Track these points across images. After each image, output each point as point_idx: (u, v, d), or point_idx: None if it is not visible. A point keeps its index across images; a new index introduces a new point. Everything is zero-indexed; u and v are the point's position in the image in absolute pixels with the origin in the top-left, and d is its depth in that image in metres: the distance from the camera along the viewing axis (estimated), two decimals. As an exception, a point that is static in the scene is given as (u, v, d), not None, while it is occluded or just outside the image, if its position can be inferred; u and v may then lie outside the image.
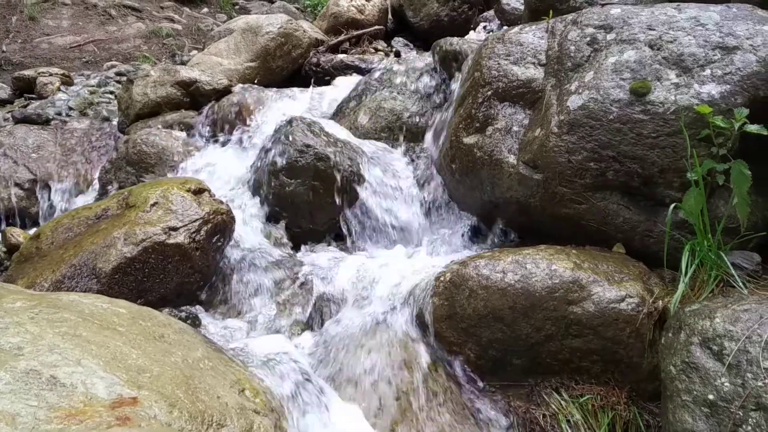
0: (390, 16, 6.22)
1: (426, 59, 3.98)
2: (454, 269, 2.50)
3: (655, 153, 2.45)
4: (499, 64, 2.94)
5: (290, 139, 3.27)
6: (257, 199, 3.33)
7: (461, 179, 3.06)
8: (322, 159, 3.23)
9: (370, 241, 3.23)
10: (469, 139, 2.97)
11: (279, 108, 3.97)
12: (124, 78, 5.36)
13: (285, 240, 3.19)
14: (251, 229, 3.18)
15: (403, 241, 3.23)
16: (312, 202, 3.23)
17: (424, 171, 3.43)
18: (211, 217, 2.76)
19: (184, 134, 3.83)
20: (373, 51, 5.55)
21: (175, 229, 2.65)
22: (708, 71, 2.43)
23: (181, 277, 2.65)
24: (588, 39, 2.74)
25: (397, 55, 5.41)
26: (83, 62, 11.18)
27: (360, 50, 5.50)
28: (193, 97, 4.14)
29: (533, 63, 2.90)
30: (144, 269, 2.56)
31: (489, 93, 2.94)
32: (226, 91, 4.17)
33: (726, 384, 1.76)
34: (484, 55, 3.02)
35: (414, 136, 3.70)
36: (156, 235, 2.61)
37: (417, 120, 3.71)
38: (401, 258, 2.95)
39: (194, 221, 2.70)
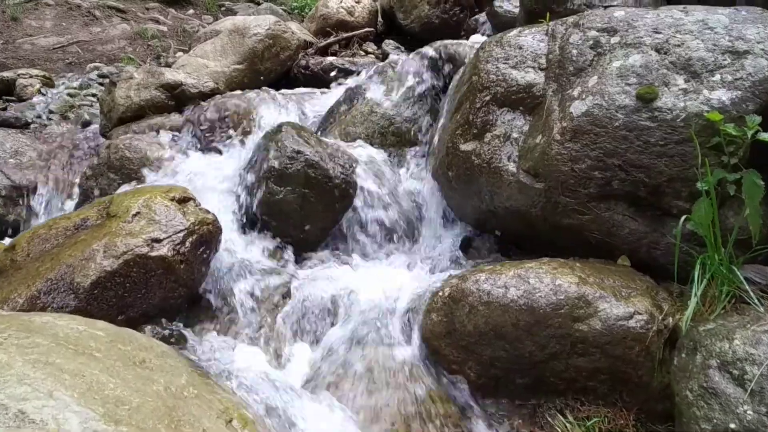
0: (380, 17, 6.10)
1: (419, 61, 3.85)
2: (453, 284, 2.38)
3: (663, 162, 2.35)
4: (497, 68, 2.83)
5: (280, 145, 3.13)
6: (245, 207, 3.19)
7: (458, 187, 2.94)
8: (313, 166, 3.10)
9: (363, 251, 3.11)
10: (466, 146, 2.86)
11: (268, 111, 3.83)
12: (107, 80, 5.20)
13: (274, 250, 3.05)
14: (239, 239, 3.04)
15: (398, 251, 3.11)
16: (302, 210, 3.10)
17: (419, 177, 3.31)
18: (196, 227, 2.62)
19: (168, 139, 3.68)
20: (363, 54, 5.43)
21: (158, 240, 2.52)
22: (718, 76, 2.33)
23: (165, 291, 2.51)
24: (591, 42, 2.63)
25: (387, 58, 5.28)
26: (66, 63, 10.97)
27: (350, 53, 5.38)
28: (179, 100, 4.00)
29: (533, 67, 2.78)
30: (125, 284, 2.42)
31: (487, 98, 2.83)
32: (213, 94, 4.03)
33: (749, 412, 1.65)
34: (482, 59, 2.90)
35: (407, 140, 3.58)
36: (138, 248, 2.47)
37: (410, 124, 3.59)
38: (396, 270, 2.82)
39: (179, 232, 2.57)
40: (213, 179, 3.36)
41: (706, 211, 2.27)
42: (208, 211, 2.77)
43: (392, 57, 4.40)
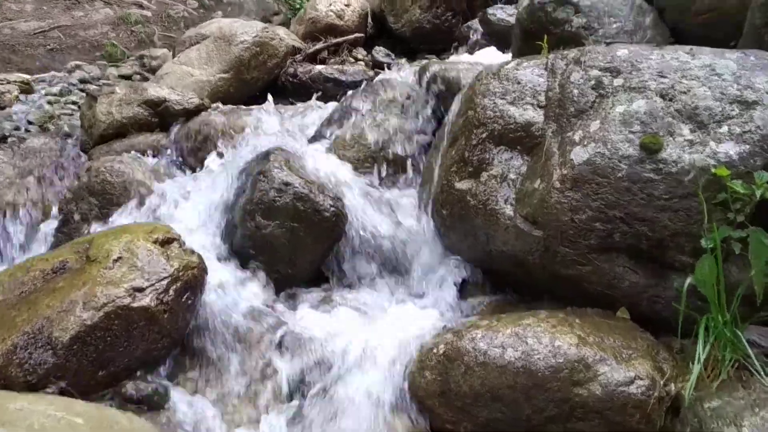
0: (370, 20, 5.96)
1: (410, 81, 3.75)
2: (448, 341, 2.30)
3: (667, 216, 2.26)
4: (494, 103, 2.72)
5: (268, 176, 3.02)
6: (231, 241, 3.08)
7: (452, 225, 2.85)
8: (302, 199, 2.99)
9: (354, 289, 3.02)
10: (461, 185, 2.76)
11: (256, 131, 3.71)
12: (89, 86, 5.05)
13: (262, 288, 2.94)
14: (226, 275, 2.93)
15: (389, 287, 3.02)
16: (291, 245, 3.00)
17: (412, 208, 3.21)
18: (180, 274, 2.51)
19: (152, 161, 3.55)
20: (353, 60, 5.30)
21: (140, 289, 2.41)
22: (725, 128, 2.24)
23: (148, 343, 2.40)
24: (593, 83, 2.53)
25: (378, 66, 5.16)
26: (48, 50, 10.73)
27: (339, 59, 5.24)
28: (162, 117, 3.85)
29: (532, 104, 2.68)
30: (106, 337, 2.31)
31: (484, 135, 2.73)
32: (197, 110, 3.89)
33: None
34: (479, 92, 2.80)
35: (399, 167, 3.48)
36: (119, 298, 2.36)
37: (403, 150, 3.48)
38: (388, 315, 2.74)
39: (162, 279, 2.46)
40: (198, 206, 3.25)
41: (710, 270, 2.20)
42: (192, 252, 2.66)
43: (383, 75, 4.27)
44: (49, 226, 3.55)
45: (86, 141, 3.94)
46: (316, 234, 3.02)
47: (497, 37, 5.10)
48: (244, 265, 3.04)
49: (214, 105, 4.13)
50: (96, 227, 3.12)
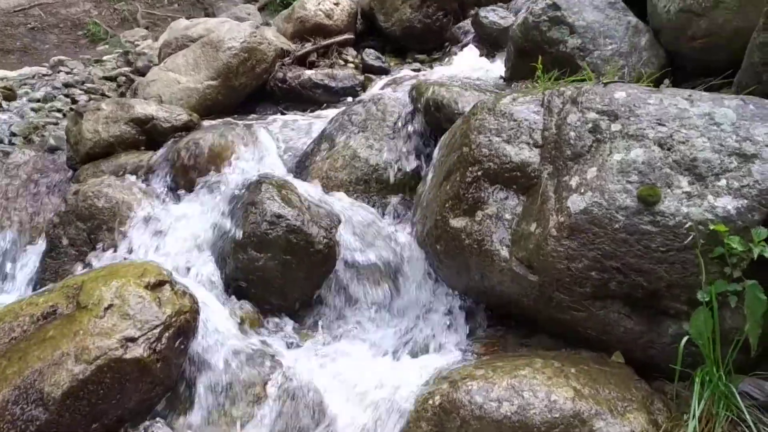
0: (360, 18, 5.85)
1: (403, 98, 3.69)
2: (444, 392, 2.29)
3: (663, 268, 2.26)
4: (490, 141, 2.69)
5: (260, 208, 2.98)
6: (223, 271, 3.05)
7: (447, 262, 2.83)
8: (295, 231, 2.96)
9: (346, 323, 3.00)
10: (456, 222, 2.73)
11: (248, 151, 3.65)
12: (74, 90, 4.95)
13: (255, 320, 2.92)
14: (218, 308, 2.90)
15: (384, 321, 3.00)
16: (283, 277, 2.98)
17: (405, 236, 3.19)
18: (173, 320, 2.48)
19: (140, 183, 3.48)
20: (343, 63, 5.21)
21: (133, 339, 2.38)
22: (723, 181, 2.23)
23: (141, 393, 2.38)
24: (590, 126, 2.50)
25: (368, 70, 5.08)
26: (29, 29, 10.52)
27: (328, 62, 5.15)
28: (150, 134, 3.78)
29: (528, 143, 2.65)
30: (99, 391, 2.29)
31: (479, 173, 2.70)
32: (186, 127, 3.82)
33: None
34: (473, 128, 2.76)
35: (392, 190, 3.45)
36: (112, 351, 2.33)
37: (395, 174, 3.44)
38: (381, 356, 2.73)
39: (154, 328, 2.43)
40: (189, 235, 3.20)
41: (705, 323, 2.21)
42: (184, 294, 2.62)
43: (375, 89, 4.21)
44: (37, 250, 3.50)
45: (72, 157, 3.86)
46: (308, 266, 3.00)
47: (489, 40, 5.03)
48: (236, 296, 3.02)
49: (203, 122, 4.06)
50: (88, 258, 3.07)
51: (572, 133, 2.52)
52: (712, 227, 2.16)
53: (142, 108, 3.74)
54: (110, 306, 2.45)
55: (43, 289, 2.72)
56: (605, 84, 2.56)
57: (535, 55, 3.52)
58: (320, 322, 3.01)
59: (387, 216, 3.31)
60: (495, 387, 2.24)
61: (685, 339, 2.18)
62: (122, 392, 2.33)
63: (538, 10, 3.49)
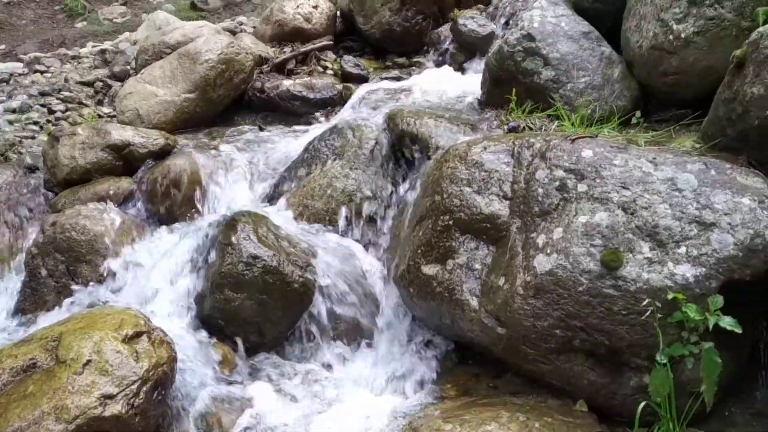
0: (339, 18, 5.82)
1: (379, 125, 3.72)
2: (415, 444, 2.38)
3: (624, 329, 2.35)
4: (461, 191, 2.74)
5: (236, 248, 3.03)
6: (200, 308, 3.11)
7: (419, 303, 2.91)
8: (271, 272, 3.02)
9: (321, 359, 3.08)
10: (427, 269, 2.80)
11: (225, 178, 3.69)
12: (50, 99, 4.92)
13: (230, 359, 3.00)
14: (194, 347, 2.97)
15: (359, 357, 3.09)
16: (260, 316, 3.04)
17: (380, 271, 3.26)
18: (150, 374, 2.55)
19: (118, 215, 3.50)
20: (322, 70, 5.20)
21: (111, 396, 2.44)
22: (683, 249, 2.30)
23: (120, 449, 2.46)
24: (557, 184, 2.55)
25: (347, 78, 5.08)
26: (4, 4, 10.30)
27: (307, 69, 5.14)
28: (127, 160, 3.79)
29: (498, 195, 2.71)
30: (79, 450, 2.36)
31: (450, 222, 2.76)
32: (162, 152, 3.83)
33: None
34: (446, 175, 2.81)
35: (368, 219, 3.49)
36: (91, 409, 2.39)
37: (371, 205, 3.48)
38: (352, 396, 2.82)
39: (132, 383, 2.49)
40: (166, 270, 3.25)
41: (663, 384, 2.30)
42: (162, 342, 2.68)
43: (353, 101, 4.22)
44: (16, 279, 3.54)
45: (50, 180, 3.87)
46: (285, 304, 3.07)
47: (467, 48, 5.04)
48: (214, 334, 3.09)
49: (180, 139, 4.07)
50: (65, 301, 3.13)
51: (540, 190, 2.58)
52: (671, 296, 2.23)
53: (119, 134, 3.74)
54: (88, 362, 2.51)
55: (22, 338, 2.77)
56: (573, 140, 2.60)
57: (509, 84, 3.57)
58: (296, 354, 3.08)
59: (362, 252, 3.35)
60: (462, 441, 2.33)
61: (642, 404, 2.27)
62: (102, 449, 2.40)
63: (513, 40, 3.51)
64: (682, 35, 3.08)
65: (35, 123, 4.59)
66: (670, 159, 2.46)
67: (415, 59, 5.54)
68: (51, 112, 4.78)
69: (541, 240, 2.50)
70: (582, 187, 2.49)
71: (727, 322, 2.19)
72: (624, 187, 2.42)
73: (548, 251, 2.45)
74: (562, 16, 3.57)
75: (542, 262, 2.44)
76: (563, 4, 3.65)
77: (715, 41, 3.03)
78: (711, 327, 2.18)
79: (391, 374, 2.97)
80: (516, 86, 3.53)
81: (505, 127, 3.29)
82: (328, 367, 3.06)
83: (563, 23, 3.53)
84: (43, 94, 4.94)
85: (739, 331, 2.17)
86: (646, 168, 2.44)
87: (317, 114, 4.78)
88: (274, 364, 3.05)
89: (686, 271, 2.28)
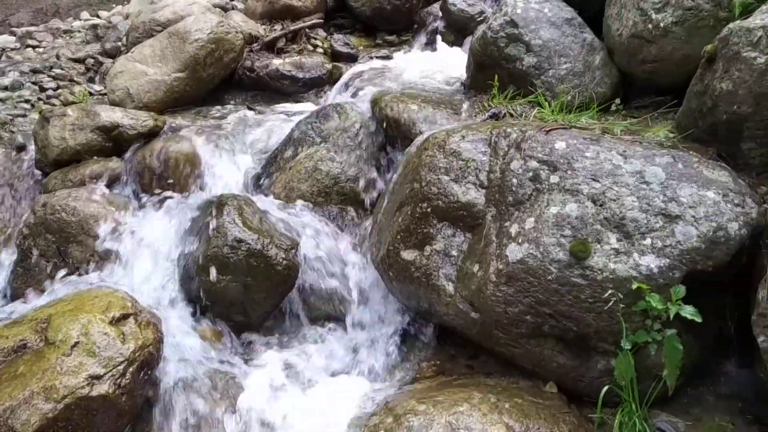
0: (330, -5, 5.83)
1: (365, 109, 3.77)
2: (388, 426, 2.49)
3: (591, 316, 2.44)
4: (439, 179, 2.82)
5: (221, 231, 3.11)
6: (187, 289, 3.20)
7: (398, 288, 3.00)
8: (256, 255, 3.10)
9: (304, 337, 3.18)
10: (406, 254, 2.89)
11: (214, 157, 3.75)
12: (41, 77, 4.96)
13: (217, 336, 3.10)
14: (181, 326, 3.07)
15: (340, 336, 3.19)
16: (245, 297, 3.13)
17: (361, 252, 3.34)
18: (137, 355, 2.65)
19: (107, 194, 3.58)
20: (312, 48, 5.22)
21: (98, 377, 2.54)
22: (648, 240, 2.39)
23: (108, 427, 2.56)
24: (531, 174, 2.63)
25: (336, 57, 5.11)
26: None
27: (297, 48, 5.17)
28: (116, 141, 3.85)
29: (474, 184, 2.78)
30: (67, 427, 2.46)
31: (428, 210, 2.83)
32: (151, 133, 3.89)
33: None
34: (424, 163, 2.88)
35: (352, 200, 3.57)
36: (79, 389, 2.49)
37: (354, 184, 3.56)
38: (331, 378, 2.93)
39: (119, 365, 2.59)
40: (155, 251, 3.33)
41: (627, 369, 2.40)
42: (149, 324, 2.78)
43: (335, 98, 4.27)
44: (8, 259, 3.62)
45: (41, 160, 3.93)
46: (269, 286, 3.15)
47: (456, 27, 5.07)
48: (201, 313, 3.18)
49: (170, 119, 4.13)
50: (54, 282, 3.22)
51: (514, 180, 2.65)
52: (635, 285, 2.32)
53: (108, 115, 3.80)
54: (76, 343, 2.61)
55: (13, 319, 2.86)
56: (547, 132, 2.67)
57: (493, 69, 3.62)
58: (278, 338, 3.18)
59: (346, 234, 3.44)
60: (434, 424, 2.44)
61: (605, 388, 2.37)
62: (90, 427, 2.51)
63: (497, 26, 3.55)
64: (661, 24, 3.13)
65: (26, 101, 4.64)
66: (639, 152, 2.53)
67: (404, 37, 5.58)
68: (42, 89, 4.82)
69: (513, 229, 2.58)
70: (554, 179, 2.56)
71: (688, 312, 2.28)
72: (594, 180, 2.49)
73: (520, 240, 2.53)
74: (545, 2, 3.61)
75: (514, 251, 2.52)
76: (548, -11, 3.69)
77: (693, 31, 3.08)
78: (672, 316, 2.27)
79: (369, 354, 3.08)
80: (499, 72, 3.58)
81: (487, 113, 3.34)
82: (309, 346, 3.15)
83: (546, 9, 3.57)
84: (35, 71, 4.97)
85: (699, 320, 2.27)
86: (616, 161, 2.51)
87: (306, 94, 4.82)
88: (258, 343, 3.15)
89: (651, 262, 2.36)
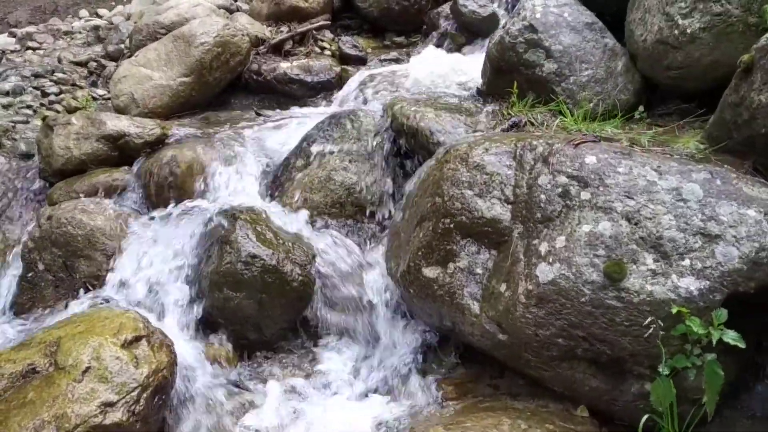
0: (337, -4, 5.71)
1: (378, 116, 3.66)
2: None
3: (627, 340, 2.34)
4: (462, 194, 2.71)
5: (234, 247, 3.01)
6: (200, 306, 3.10)
7: (419, 304, 2.90)
8: (270, 271, 3.00)
9: (321, 356, 3.08)
10: (428, 272, 2.78)
11: (223, 167, 3.64)
12: (43, 81, 4.84)
13: (231, 357, 3.00)
14: (195, 347, 2.98)
15: (355, 355, 3.09)
16: (259, 314, 3.04)
17: (378, 266, 3.24)
18: (150, 380, 2.55)
19: (115, 207, 3.47)
20: (319, 51, 5.11)
21: (111, 404, 2.44)
22: (687, 261, 2.28)
23: (122, 456, 2.47)
24: (560, 190, 2.52)
25: (345, 60, 5.00)
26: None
27: (304, 50, 5.05)
28: (123, 150, 3.73)
29: (499, 199, 2.67)
30: (80, 459, 2.37)
31: (451, 225, 2.73)
32: (158, 142, 3.77)
33: None
34: (446, 177, 2.77)
35: (368, 213, 3.46)
36: (92, 417, 2.39)
37: (370, 195, 3.45)
38: (351, 398, 2.83)
39: (132, 390, 2.49)
40: (165, 266, 3.23)
41: (665, 395, 2.30)
42: (162, 346, 2.68)
43: (346, 103, 4.15)
44: (13, 272, 3.51)
45: (45, 169, 3.82)
46: (284, 303, 3.06)
47: (468, 29, 4.96)
48: (213, 331, 3.08)
49: (176, 124, 4.02)
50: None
51: (543, 196, 2.55)
52: (675, 309, 2.22)
53: (114, 124, 3.68)
54: (88, 369, 2.51)
55: (20, 342, 2.75)
56: (576, 145, 2.56)
57: (511, 75, 3.51)
58: (293, 356, 3.08)
59: (361, 241, 3.34)
60: (459, 452, 2.35)
61: (645, 417, 2.27)
62: (103, 458, 2.41)
63: (515, 31, 3.43)
64: (688, 31, 3.02)
65: (28, 107, 4.52)
66: (675, 168, 2.42)
67: (413, 39, 5.47)
68: (45, 94, 4.71)
69: (543, 248, 2.48)
70: (585, 195, 2.46)
71: (731, 337, 2.19)
72: (628, 197, 2.39)
73: (551, 260, 2.43)
74: (565, 6, 3.49)
75: (545, 271, 2.42)
76: (566, -8, 3.57)
77: (722, 37, 2.98)
78: (715, 342, 2.17)
79: (389, 373, 2.97)
80: (518, 77, 3.47)
81: (507, 122, 3.23)
82: (326, 365, 3.05)
83: (566, 13, 3.45)
84: (36, 75, 4.86)
85: (742, 346, 2.17)
86: (650, 177, 2.41)
87: (315, 98, 4.72)
88: (273, 362, 3.05)
89: (690, 284, 2.26)
